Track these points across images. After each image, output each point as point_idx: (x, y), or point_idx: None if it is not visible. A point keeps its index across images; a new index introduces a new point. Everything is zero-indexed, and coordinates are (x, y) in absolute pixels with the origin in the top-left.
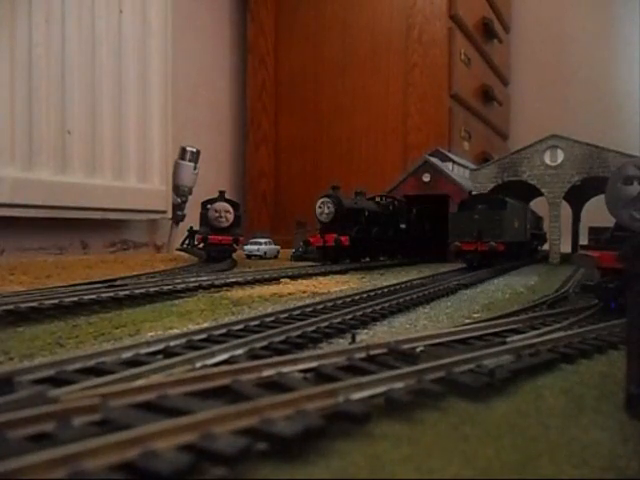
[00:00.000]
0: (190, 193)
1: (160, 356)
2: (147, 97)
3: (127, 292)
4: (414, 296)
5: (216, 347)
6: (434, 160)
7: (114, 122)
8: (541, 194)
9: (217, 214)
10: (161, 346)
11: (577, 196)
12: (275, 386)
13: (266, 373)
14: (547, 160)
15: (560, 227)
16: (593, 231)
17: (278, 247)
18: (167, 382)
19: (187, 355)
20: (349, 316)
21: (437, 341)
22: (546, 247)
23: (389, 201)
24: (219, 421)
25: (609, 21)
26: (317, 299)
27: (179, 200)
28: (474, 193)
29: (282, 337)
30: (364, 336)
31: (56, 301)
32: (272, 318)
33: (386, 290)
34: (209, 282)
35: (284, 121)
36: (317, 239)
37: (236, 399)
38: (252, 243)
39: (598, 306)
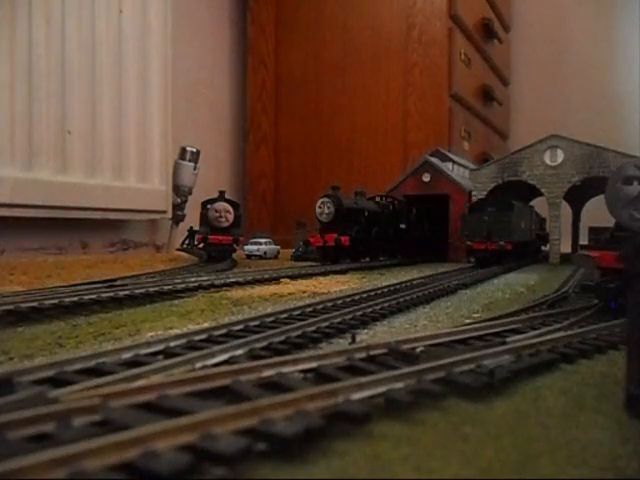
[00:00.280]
0: (190, 193)
1: (160, 356)
2: (147, 97)
3: (127, 292)
4: (414, 296)
5: (216, 347)
6: (434, 160)
7: (114, 122)
8: (541, 194)
9: (217, 214)
10: (161, 346)
11: (577, 196)
12: (275, 386)
13: (266, 373)
14: (547, 160)
15: (560, 227)
16: (593, 231)
17: (278, 247)
18: (167, 382)
19: (187, 355)
20: (349, 316)
21: (437, 341)
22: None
23: (389, 201)
24: (219, 421)
25: (609, 21)
26: (317, 299)
27: (179, 200)
28: (477, 197)
29: (282, 337)
30: (364, 336)
31: (56, 301)
32: (272, 318)
33: (386, 290)
34: (209, 282)
35: (284, 121)
36: (317, 239)
37: (236, 399)
38: (252, 243)
39: (598, 306)
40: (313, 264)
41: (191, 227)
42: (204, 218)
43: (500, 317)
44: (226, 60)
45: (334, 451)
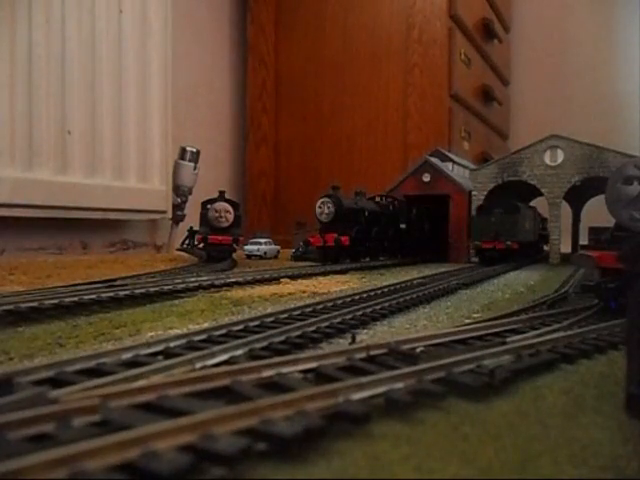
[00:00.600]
0: (190, 193)
1: (160, 357)
2: (147, 97)
3: (127, 292)
4: (414, 296)
5: (216, 348)
6: (434, 160)
7: (114, 122)
8: (541, 194)
9: (217, 214)
10: (161, 347)
11: (577, 196)
12: (275, 386)
13: (266, 373)
14: (547, 160)
15: (560, 227)
16: (593, 231)
17: (278, 247)
18: (167, 383)
19: (187, 356)
20: (349, 316)
21: (437, 341)
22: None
23: (389, 201)
24: (219, 421)
25: (609, 21)
26: (317, 299)
27: (179, 200)
28: (477, 197)
29: (282, 337)
30: (364, 336)
31: (56, 301)
32: (272, 318)
33: (386, 290)
34: (209, 282)
35: (284, 121)
36: (317, 239)
37: (236, 399)
38: (252, 243)
39: (598, 306)
40: (313, 264)
41: (191, 227)
42: (204, 218)
43: (500, 317)
44: (226, 60)
45: (334, 451)
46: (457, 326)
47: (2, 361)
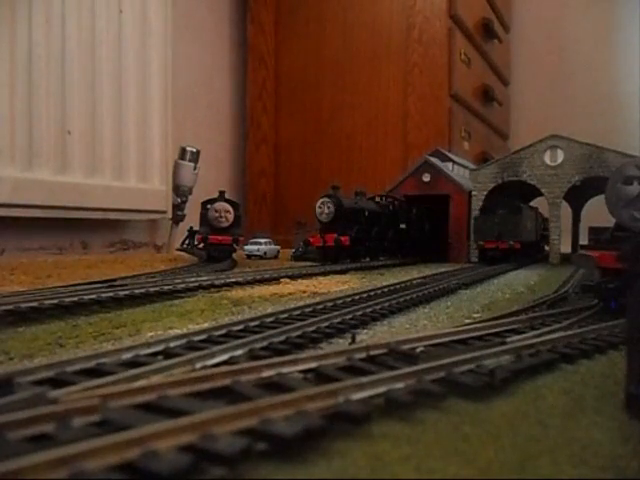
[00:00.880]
0: (190, 193)
1: (160, 357)
2: (147, 97)
3: (127, 292)
4: (414, 296)
5: (216, 348)
6: (434, 160)
7: (114, 122)
8: (541, 194)
9: (217, 214)
10: (161, 347)
11: (577, 196)
12: (275, 386)
13: (266, 374)
14: (547, 160)
15: (560, 227)
16: (593, 231)
17: (278, 247)
18: (167, 383)
19: (187, 356)
20: (349, 316)
21: (437, 341)
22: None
23: (389, 201)
24: (219, 422)
25: (609, 21)
26: (317, 299)
27: (179, 200)
28: (477, 197)
29: (282, 337)
30: (364, 336)
31: (56, 301)
32: (272, 318)
33: (386, 290)
34: (209, 282)
35: (284, 121)
36: (317, 239)
37: (236, 400)
38: (252, 243)
39: (598, 306)
40: (313, 264)
41: (191, 227)
42: (204, 218)
43: (500, 317)
44: (226, 60)
45: (334, 451)
46: (457, 326)
47: (2, 361)
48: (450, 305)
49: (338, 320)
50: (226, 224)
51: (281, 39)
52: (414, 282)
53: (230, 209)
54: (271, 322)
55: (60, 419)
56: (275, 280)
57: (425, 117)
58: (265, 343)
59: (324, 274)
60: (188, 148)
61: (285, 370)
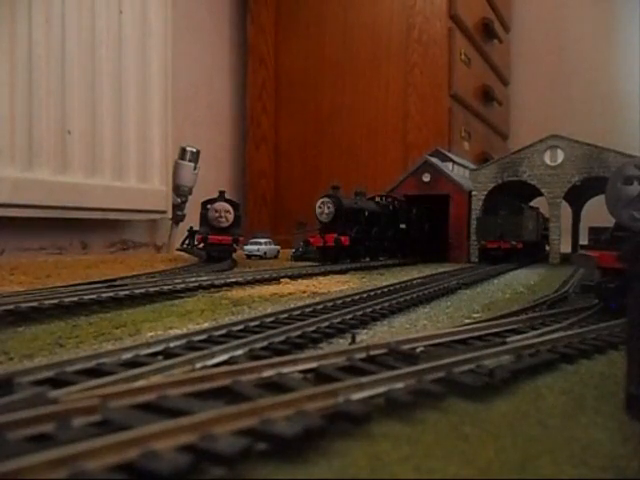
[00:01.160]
0: (190, 193)
1: (160, 357)
2: (147, 97)
3: (127, 292)
4: (414, 296)
5: (216, 348)
6: (434, 160)
7: (114, 122)
8: (541, 194)
9: (217, 214)
10: (161, 347)
11: (577, 196)
12: (275, 387)
13: (266, 374)
14: (547, 160)
15: (560, 227)
16: (593, 231)
17: (278, 247)
18: (167, 383)
19: (187, 356)
20: (349, 316)
21: (437, 341)
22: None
23: (389, 201)
24: (219, 422)
25: (609, 21)
26: (317, 299)
27: (179, 200)
28: (477, 197)
29: (282, 337)
30: (364, 336)
31: (56, 301)
32: (272, 318)
33: (386, 290)
34: (209, 282)
35: (284, 121)
36: (317, 239)
37: (236, 399)
38: (252, 243)
39: (598, 306)
40: (313, 264)
41: (191, 227)
42: (204, 218)
43: (500, 317)
44: (226, 60)
45: (334, 451)
46: (457, 326)
47: (2, 361)
48: (450, 305)
49: (338, 320)
50: (226, 224)
51: (281, 40)
52: (414, 282)
53: (230, 209)
54: (271, 322)
55: (60, 419)
56: (275, 280)
57: (425, 117)
58: (265, 343)
59: (324, 274)
60: (188, 148)
61: (285, 370)
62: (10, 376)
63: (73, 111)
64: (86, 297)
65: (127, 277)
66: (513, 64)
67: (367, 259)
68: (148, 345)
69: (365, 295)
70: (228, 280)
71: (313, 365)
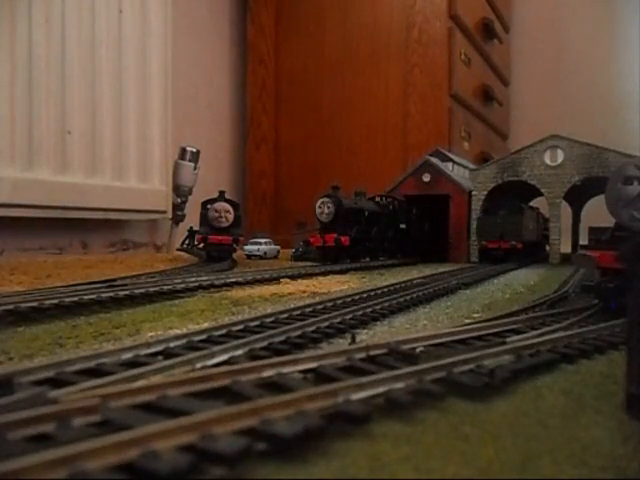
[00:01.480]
0: (190, 193)
1: (160, 357)
2: (147, 97)
3: (127, 292)
4: (414, 296)
5: (216, 348)
6: (434, 160)
7: (114, 122)
8: (541, 194)
9: (217, 214)
10: (161, 347)
11: (577, 196)
12: (275, 387)
13: (266, 374)
14: (547, 160)
15: (560, 227)
16: (593, 231)
17: (278, 247)
18: (167, 383)
19: (187, 356)
20: (349, 316)
21: (437, 341)
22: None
23: (389, 201)
24: (219, 422)
25: (609, 21)
26: (317, 299)
27: (179, 200)
28: (477, 197)
29: (282, 337)
30: (364, 336)
31: (56, 301)
32: (272, 318)
33: (386, 290)
34: (209, 282)
35: (284, 121)
36: (317, 239)
37: (236, 400)
38: (252, 243)
39: (598, 306)
40: (313, 264)
41: (191, 227)
42: (204, 218)
43: (500, 317)
44: (226, 60)
45: (334, 451)
46: (457, 326)
47: (2, 361)
48: (450, 305)
49: (338, 320)
50: (226, 224)
51: (281, 39)
52: (414, 282)
53: (230, 209)
54: (271, 322)
55: (60, 419)
56: (275, 280)
57: (425, 117)
58: (265, 343)
59: (324, 274)
60: (188, 148)
61: (285, 370)
62: (10, 376)
63: (73, 111)
64: (86, 297)
65: (127, 277)
66: (513, 64)
67: (367, 259)
68: (148, 345)
69: (365, 295)
70: (228, 280)
71: (313, 365)
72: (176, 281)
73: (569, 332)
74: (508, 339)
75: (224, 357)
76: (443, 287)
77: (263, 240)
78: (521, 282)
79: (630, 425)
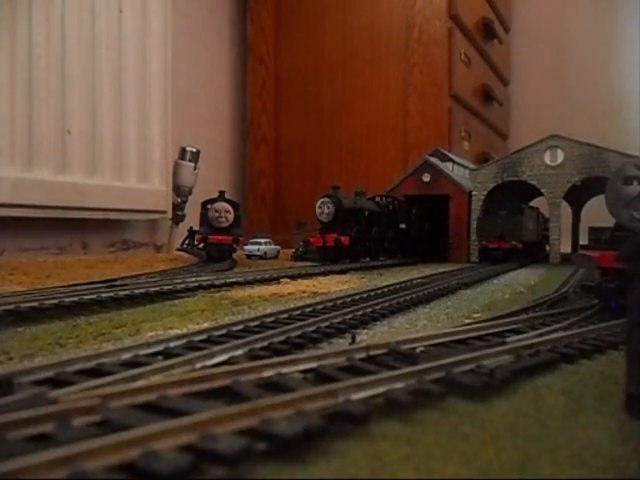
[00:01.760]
0: (190, 193)
1: (160, 357)
2: (147, 97)
3: (127, 292)
4: (414, 296)
5: (216, 348)
6: (434, 160)
7: (114, 122)
8: (541, 194)
9: (217, 214)
10: (161, 347)
11: (577, 196)
12: (275, 387)
13: (266, 374)
14: (547, 160)
15: (560, 227)
16: (593, 231)
17: (278, 247)
18: (167, 383)
19: (187, 356)
20: (349, 316)
21: (437, 341)
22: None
23: (389, 201)
24: (219, 422)
25: (609, 21)
26: (317, 299)
27: (179, 200)
28: (477, 197)
29: (282, 337)
30: (364, 336)
31: (56, 301)
32: (272, 318)
33: (386, 290)
34: (209, 282)
35: (284, 121)
36: (317, 239)
37: (236, 399)
38: (252, 243)
39: (598, 306)
40: (313, 264)
41: (191, 227)
42: (204, 218)
43: (500, 317)
44: (226, 60)
45: (334, 451)
46: (457, 326)
47: (2, 361)
48: (450, 305)
49: (338, 320)
50: (226, 224)
51: (281, 39)
52: (414, 282)
53: (230, 209)
54: (271, 322)
55: (60, 419)
56: (275, 280)
57: (425, 117)
58: (265, 343)
59: (324, 274)
60: (188, 148)
61: (285, 370)
62: (10, 376)
63: (73, 111)
64: (86, 297)
65: (127, 277)
66: (513, 64)
67: (367, 259)
68: (148, 345)
69: (365, 295)
70: (228, 280)
71: (313, 365)
72: (176, 281)
73: (569, 332)
74: (508, 339)
75: (224, 357)
76: (443, 287)
77: (263, 240)
78: (521, 282)
79: (630, 425)
